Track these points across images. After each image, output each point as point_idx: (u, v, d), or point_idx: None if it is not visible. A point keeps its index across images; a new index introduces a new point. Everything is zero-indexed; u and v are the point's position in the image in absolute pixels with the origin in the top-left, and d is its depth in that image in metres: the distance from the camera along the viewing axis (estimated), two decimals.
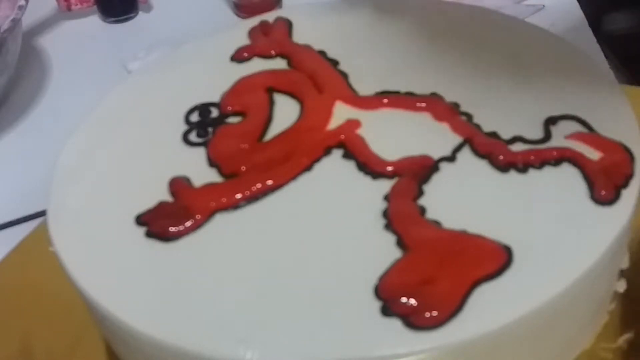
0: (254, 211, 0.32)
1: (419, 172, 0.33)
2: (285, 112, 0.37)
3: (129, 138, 0.38)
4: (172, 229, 0.32)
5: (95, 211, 0.34)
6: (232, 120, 0.38)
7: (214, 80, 0.40)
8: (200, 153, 0.36)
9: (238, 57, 0.42)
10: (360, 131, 0.35)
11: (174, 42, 0.45)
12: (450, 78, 0.38)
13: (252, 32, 0.44)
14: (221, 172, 0.34)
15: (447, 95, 0.36)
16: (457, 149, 0.34)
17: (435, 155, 0.33)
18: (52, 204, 0.35)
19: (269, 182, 0.33)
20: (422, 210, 0.31)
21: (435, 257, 0.29)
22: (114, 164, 0.36)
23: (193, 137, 0.37)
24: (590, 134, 0.33)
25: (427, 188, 0.32)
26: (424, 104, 0.36)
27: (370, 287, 0.28)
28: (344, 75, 0.39)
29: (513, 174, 0.32)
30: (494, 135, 0.34)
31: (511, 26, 0.41)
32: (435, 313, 0.27)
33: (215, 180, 0.34)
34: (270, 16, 0.45)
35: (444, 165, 0.33)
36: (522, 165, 0.32)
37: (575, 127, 0.34)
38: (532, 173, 0.32)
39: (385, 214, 0.31)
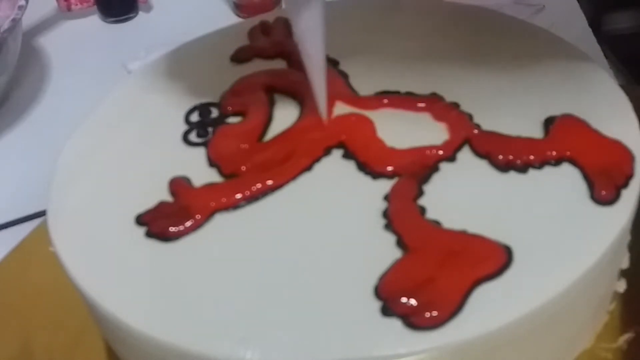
0: (254, 211, 0.32)
1: (419, 172, 0.33)
2: (285, 112, 0.37)
3: (129, 138, 0.38)
4: (172, 229, 0.32)
5: (95, 211, 0.34)
6: (232, 120, 0.38)
7: (214, 80, 0.40)
8: (200, 153, 0.36)
9: (238, 57, 0.42)
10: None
11: (174, 42, 0.45)
12: (450, 78, 0.38)
13: (252, 32, 0.44)
14: (221, 172, 0.34)
15: (447, 95, 0.36)
16: (457, 149, 0.34)
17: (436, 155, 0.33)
18: (52, 204, 0.35)
19: (269, 182, 0.33)
20: (422, 210, 0.31)
21: (435, 257, 0.29)
22: (114, 164, 0.36)
23: (193, 137, 0.37)
24: (590, 134, 0.33)
25: (427, 188, 0.32)
26: (424, 104, 0.36)
27: (370, 287, 0.28)
28: (344, 76, 0.39)
29: (513, 174, 0.32)
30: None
31: (511, 26, 0.41)
32: (435, 313, 0.27)
33: (215, 180, 0.34)
34: (270, 16, 0.45)
35: (444, 165, 0.33)
36: (522, 165, 0.32)
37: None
38: (532, 173, 0.32)
39: (385, 214, 0.31)
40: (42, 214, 0.45)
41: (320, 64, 0.33)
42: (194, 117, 0.38)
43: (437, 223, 0.30)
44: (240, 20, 0.64)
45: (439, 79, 0.37)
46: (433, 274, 0.28)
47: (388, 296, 0.28)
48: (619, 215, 0.30)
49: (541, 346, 0.29)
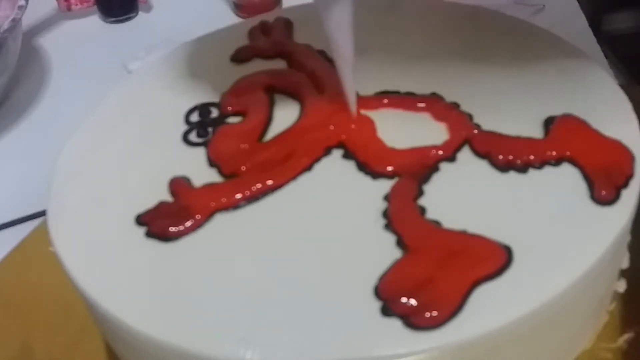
0: (254, 211, 0.32)
1: (419, 172, 0.33)
2: (285, 112, 0.37)
3: (129, 138, 0.38)
4: (172, 229, 0.32)
5: (95, 211, 0.34)
6: (232, 120, 0.38)
7: (214, 80, 0.40)
8: (200, 153, 0.36)
9: (238, 57, 0.42)
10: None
11: (174, 42, 0.45)
12: (450, 78, 0.38)
13: (252, 32, 0.44)
14: (221, 172, 0.34)
15: (447, 95, 0.36)
16: (457, 149, 0.34)
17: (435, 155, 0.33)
18: (52, 204, 0.35)
19: (269, 182, 0.33)
20: (422, 210, 0.31)
21: (435, 257, 0.29)
22: (114, 164, 0.36)
23: (193, 137, 0.37)
24: (590, 134, 0.33)
25: (427, 188, 0.32)
26: (424, 104, 0.36)
27: (370, 287, 0.28)
28: None
29: (513, 174, 0.32)
30: None
31: (511, 26, 0.41)
32: (435, 313, 0.27)
33: (215, 180, 0.34)
34: (270, 16, 0.45)
35: (444, 165, 0.33)
36: (522, 165, 0.32)
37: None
38: (532, 173, 0.32)
39: (385, 214, 0.31)
40: (42, 214, 0.45)
41: (350, 58, 0.34)
42: (194, 117, 0.38)
43: (437, 223, 0.30)
44: (240, 20, 0.64)
45: (439, 79, 0.37)
46: (433, 274, 0.28)
47: (388, 296, 0.28)
48: (619, 215, 0.30)
49: (541, 346, 0.29)
